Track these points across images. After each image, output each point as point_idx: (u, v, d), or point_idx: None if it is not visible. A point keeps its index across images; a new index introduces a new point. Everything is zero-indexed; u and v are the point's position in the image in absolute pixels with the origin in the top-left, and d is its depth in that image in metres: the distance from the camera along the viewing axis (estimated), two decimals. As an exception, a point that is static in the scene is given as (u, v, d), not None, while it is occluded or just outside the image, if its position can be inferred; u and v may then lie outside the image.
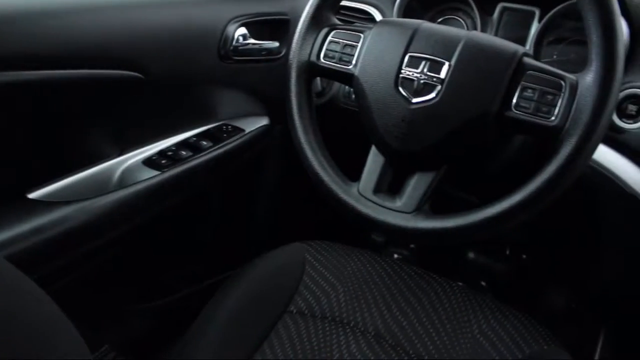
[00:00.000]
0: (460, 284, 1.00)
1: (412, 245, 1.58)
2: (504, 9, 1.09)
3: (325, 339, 0.90)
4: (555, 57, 1.03)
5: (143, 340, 1.26)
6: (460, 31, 0.80)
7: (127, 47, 0.97)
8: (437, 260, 1.45)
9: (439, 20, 1.16)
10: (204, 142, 1.15)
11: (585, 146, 0.68)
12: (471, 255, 1.52)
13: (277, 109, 1.11)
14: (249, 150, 1.22)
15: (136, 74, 0.98)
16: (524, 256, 1.51)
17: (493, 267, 1.50)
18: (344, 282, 0.99)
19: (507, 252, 1.51)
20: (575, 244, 1.14)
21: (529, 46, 1.03)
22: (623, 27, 0.91)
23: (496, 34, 1.08)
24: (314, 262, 1.02)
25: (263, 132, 1.24)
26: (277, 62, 1.18)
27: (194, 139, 1.15)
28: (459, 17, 1.13)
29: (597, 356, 1.07)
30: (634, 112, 0.89)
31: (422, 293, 0.98)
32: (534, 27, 1.04)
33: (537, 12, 1.05)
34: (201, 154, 1.13)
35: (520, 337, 0.91)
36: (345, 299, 0.97)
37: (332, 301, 0.96)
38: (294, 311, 0.95)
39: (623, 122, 0.90)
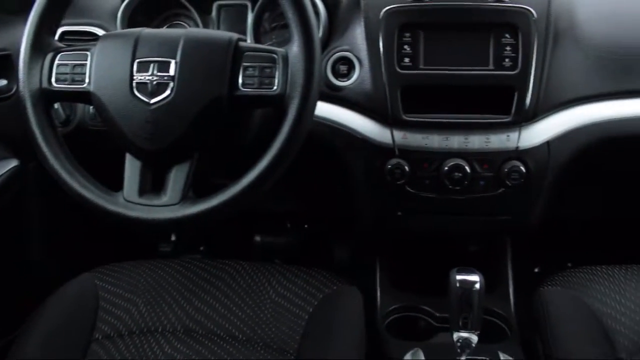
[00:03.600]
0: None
1: (201, 248, 1.65)
2: (220, 6, 1.18)
3: (139, 352, 0.91)
4: (274, 39, 1.16)
5: None
6: (178, 30, 0.87)
7: None
8: (227, 253, 1.52)
9: (165, 27, 1.21)
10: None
11: (307, 103, 0.79)
12: (257, 238, 1.63)
13: (25, 147, 1.08)
14: (2, 196, 1.16)
15: None
16: (306, 226, 1.66)
17: (280, 243, 1.62)
18: (140, 294, 1.01)
19: (289, 226, 1.64)
20: (341, 199, 1.29)
21: (249, 35, 1.14)
22: (318, 2, 1.07)
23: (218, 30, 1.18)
24: (106, 286, 1.02)
25: (14, 174, 1.19)
26: (11, 100, 1.14)
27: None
28: (182, 21, 1.20)
29: (378, 286, 1.24)
30: (345, 71, 1.04)
31: (216, 280, 1.04)
32: (250, 18, 1.15)
33: (249, 5, 1.17)
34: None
35: (312, 286, 1.03)
36: (146, 309, 0.99)
37: (134, 315, 0.98)
38: (100, 337, 0.95)
39: (339, 80, 1.05)
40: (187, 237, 1.64)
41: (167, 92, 0.81)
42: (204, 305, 1.00)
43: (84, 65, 0.85)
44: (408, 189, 1.04)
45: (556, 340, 0.94)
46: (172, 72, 0.81)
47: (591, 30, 1.07)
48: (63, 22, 0.92)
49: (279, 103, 0.81)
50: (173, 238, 1.62)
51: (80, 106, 1.12)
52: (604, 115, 1.05)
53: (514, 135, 1.01)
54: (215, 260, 1.09)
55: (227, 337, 0.95)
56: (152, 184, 0.85)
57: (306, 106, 0.79)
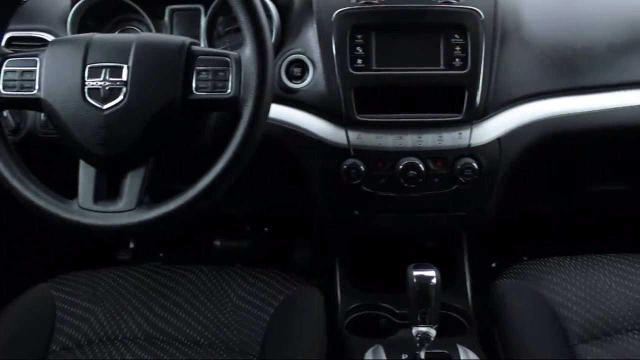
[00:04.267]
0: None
1: (161, 254, 1.63)
2: (172, 10, 1.18)
3: None
4: (228, 43, 1.16)
5: None
6: (130, 35, 0.86)
7: None
8: (187, 258, 1.51)
9: (117, 32, 1.20)
10: None
11: (261, 106, 0.80)
12: (217, 242, 1.62)
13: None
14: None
15: None
16: (266, 229, 1.66)
17: (240, 247, 1.62)
18: (99, 303, 1.00)
19: (248, 229, 1.64)
20: (299, 201, 1.29)
21: (203, 39, 1.14)
22: (270, 6, 1.08)
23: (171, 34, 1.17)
24: (63, 296, 1.00)
25: None
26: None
27: None
28: (134, 26, 1.19)
29: (338, 285, 1.25)
30: (299, 74, 1.05)
31: (177, 285, 1.03)
32: (203, 22, 1.15)
33: (202, 9, 1.17)
34: None
35: (273, 288, 1.04)
36: (105, 317, 0.98)
37: (93, 325, 0.97)
38: (57, 349, 0.93)
39: (293, 83, 1.05)
40: (146, 244, 1.62)
41: (120, 97, 0.80)
42: (164, 312, 0.99)
43: (33, 71, 0.84)
44: (364, 188, 1.06)
45: (512, 331, 0.97)
46: (124, 77, 0.80)
47: (536, 30, 1.11)
48: (10, 27, 0.90)
49: (233, 106, 0.81)
50: (132, 245, 1.60)
51: (30, 114, 1.10)
52: (552, 112, 1.09)
53: (465, 133, 1.03)
54: (175, 266, 1.08)
55: (189, 342, 0.95)
56: (107, 190, 0.84)
57: (260, 109, 0.80)
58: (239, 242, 1.62)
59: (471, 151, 1.04)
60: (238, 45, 0.99)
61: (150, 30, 1.16)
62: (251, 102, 0.79)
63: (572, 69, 1.11)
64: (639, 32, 1.14)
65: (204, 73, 0.82)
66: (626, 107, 1.11)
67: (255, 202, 1.48)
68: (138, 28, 1.20)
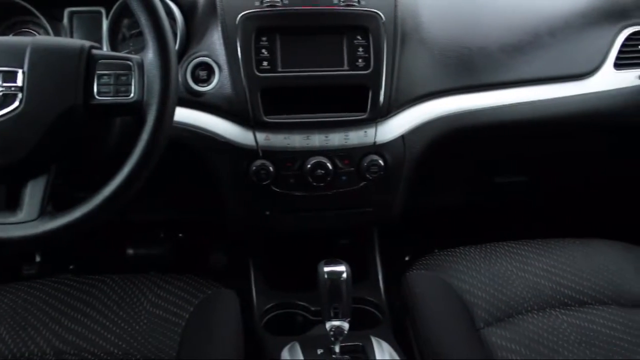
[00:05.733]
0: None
1: (71, 267, 1.57)
2: (72, 13, 1.14)
3: None
4: (132, 46, 1.13)
5: None
6: (24, 38, 0.83)
7: None
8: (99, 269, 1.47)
9: (11, 35, 1.15)
10: None
11: (165, 109, 0.79)
12: (130, 251, 1.58)
13: None
14: None
15: None
16: (180, 234, 1.64)
17: (154, 254, 1.59)
18: (2, 321, 0.95)
19: (162, 236, 1.61)
20: (210, 204, 1.29)
21: (105, 43, 1.11)
22: (174, 8, 1.07)
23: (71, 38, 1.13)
24: None
25: None
26: None
27: None
28: (30, 29, 1.14)
29: (253, 286, 1.26)
30: (205, 77, 1.05)
31: (87, 296, 1.00)
32: (105, 25, 1.12)
33: (104, 11, 1.14)
34: None
35: (187, 293, 1.03)
36: (10, 335, 0.93)
37: None
38: None
39: (199, 86, 1.05)
40: (54, 257, 1.56)
41: (16, 103, 0.77)
42: (75, 325, 0.96)
43: None
44: (274, 188, 1.07)
45: (422, 320, 1.01)
46: (19, 82, 0.77)
47: (435, 31, 1.16)
48: None
49: (136, 111, 0.80)
50: (38, 259, 1.53)
51: None
52: (452, 109, 1.14)
53: (370, 131, 1.06)
54: (85, 277, 1.05)
55: (103, 355, 0.92)
56: (6, 201, 0.81)
57: (164, 112, 0.79)
58: (153, 249, 1.59)
59: (376, 148, 1.07)
60: (142, 48, 0.98)
61: (47, 34, 1.12)
62: (155, 106, 0.79)
63: (470, 68, 1.17)
64: (529, 33, 1.22)
65: (105, 77, 0.80)
66: (519, 103, 1.19)
67: (166, 207, 1.46)
68: (34, 31, 1.15)
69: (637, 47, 1.25)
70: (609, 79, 1.23)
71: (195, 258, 1.59)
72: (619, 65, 1.24)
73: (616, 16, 1.27)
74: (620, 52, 1.24)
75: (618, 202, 1.56)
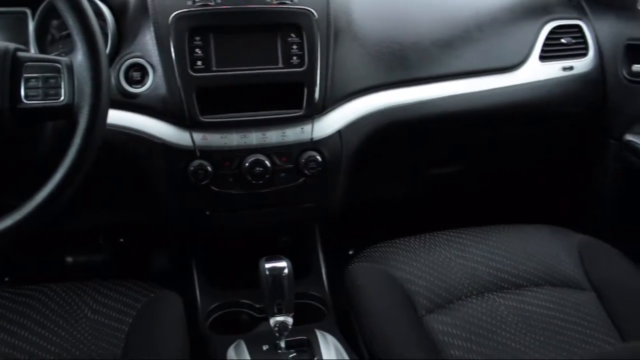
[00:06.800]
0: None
1: (6, 279, 1.52)
2: None
3: None
4: (61, 48, 1.11)
5: None
6: None
7: None
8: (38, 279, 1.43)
9: None
10: None
11: (97, 112, 0.78)
12: (69, 259, 1.54)
13: None
14: None
15: None
16: (121, 239, 1.61)
17: (95, 261, 1.56)
18: None
19: (102, 242, 1.58)
20: (150, 206, 1.27)
21: (32, 45, 1.08)
22: (103, 8, 1.05)
23: None
24: None
25: None
26: None
27: None
28: None
29: (197, 287, 1.25)
30: (139, 78, 1.04)
31: (25, 308, 0.98)
32: (31, 27, 1.09)
33: (29, 12, 1.10)
34: None
35: (129, 298, 1.02)
36: None
37: None
38: None
39: (133, 87, 1.04)
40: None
41: None
42: (13, 338, 0.93)
43: None
44: (213, 188, 1.07)
45: (365, 311, 1.03)
46: None
47: (367, 27, 1.18)
48: None
49: (67, 114, 0.78)
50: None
51: None
52: (386, 103, 1.17)
53: (307, 127, 1.08)
54: (21, 288, 1.02)
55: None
56: None
57: (97, 115, 0.78)
58: (93, 256, 1.56)
59: (314, 144, 1.08)
60: (71, 50, 0.96)
61: None
62: (87, 109, 0.77)
63: (403, 63, 1.19)
64: (459, 28, 1.26)
65: (33, 80, 0.78)
66: (452, 95, 1.23)
67: (104, 212, 1.43)
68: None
69: (560, 40, 1.32)
70: (535, 71, 1.29)
71: (138, 262, 1.56)
72: (543, 57, 1.30)
73: (539, 11, 1.33)
74: (544, 45, 1.30)
75: (548, 188, 1.62)
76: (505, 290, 1.07)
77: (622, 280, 1.11)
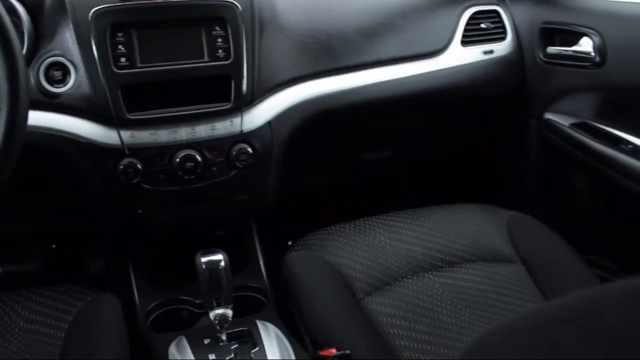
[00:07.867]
0: None
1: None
2: None
3: None
4: None
5: None
6: None
7: None
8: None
9: None
10: None
11: (16, 115, 0.75)
12: None
13: None
14: None
15: None
16: (53, 245, 1.56)
17: (26, 270, 1.51)
18: None
19: (33, 249, 1.52)
20: (79, 209, 1.24)
21: None
22: (17, 6, 1.01)
23: None
24: None
25: None
26: None
27: None
28: None
29: (134, 287, 1.23)
30: (61, 77, 1.01)
31: None
32: None
33: None
34: None
35: (64, 303, 0.99)
36: None
37: None
38: None
39: (55, 87, 1.01)
40: None
41: None
42: None
43: None
44: (144, 185, 1.05)
45: (303, 298, 1.05)
46: None
47: (292, 18, 1.19)
48: None
49: None
50: None
51: None
52: (314, 92, 1.18)
53: (236, 120, 1.08)
54: None
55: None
56: None
57: (15, 117, 0.75)
58: (24, 264, 1.50)
59: (244, 137, 1.09)
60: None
61: None
62: (4, 112, 0.74)
63: (329, 52, 1.21)
64: (382, 16, 1.29)
65: None
66: (378, 82, 1.26)
67: (33, 218, 1.38)
68: None
69: (479, 25, 1.36)
70: (457, 55, 1.33)
71: (72, 267, 1.52)
72: (465, 42, 1.34)
73: None
74: (465, 30, 1.35)
75: (477, 168, 1.68)
76: (439, 269, 1.11)
77: (547, 252, 1.17)
